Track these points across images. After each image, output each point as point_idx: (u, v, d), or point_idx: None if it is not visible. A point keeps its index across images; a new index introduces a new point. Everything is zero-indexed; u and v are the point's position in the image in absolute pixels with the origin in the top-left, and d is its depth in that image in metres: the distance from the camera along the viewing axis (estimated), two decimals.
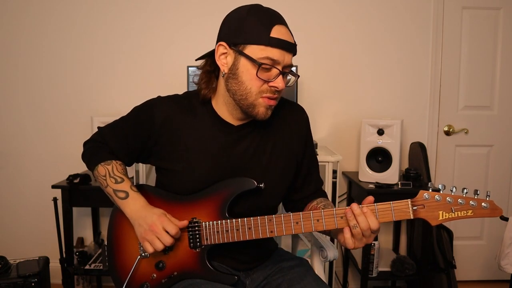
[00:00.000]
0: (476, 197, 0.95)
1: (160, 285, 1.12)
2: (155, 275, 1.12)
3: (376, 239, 2.18)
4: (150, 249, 1.04)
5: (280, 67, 1.03)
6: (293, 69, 2.15)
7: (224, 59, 1.07)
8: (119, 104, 2.46)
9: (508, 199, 2.63)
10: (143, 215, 1.07)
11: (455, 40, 2.50)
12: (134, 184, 1.16)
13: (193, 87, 2.21)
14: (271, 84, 1.04)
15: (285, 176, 1.19)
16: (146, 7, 2.44)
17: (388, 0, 2.47)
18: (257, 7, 1.06)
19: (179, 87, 2.36)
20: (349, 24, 2.48)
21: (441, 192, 0.97)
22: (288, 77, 1.12)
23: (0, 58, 2.46)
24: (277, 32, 1.01)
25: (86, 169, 2.25)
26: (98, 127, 1.24)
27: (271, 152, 1.16)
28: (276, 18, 1.04)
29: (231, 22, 1.06)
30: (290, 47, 1.04)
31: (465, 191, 0.96)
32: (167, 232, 1.03)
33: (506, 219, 2.04)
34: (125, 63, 2.47)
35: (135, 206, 1.09)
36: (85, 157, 1.21)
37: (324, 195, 1.28)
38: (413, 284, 2.42)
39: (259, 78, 1.02)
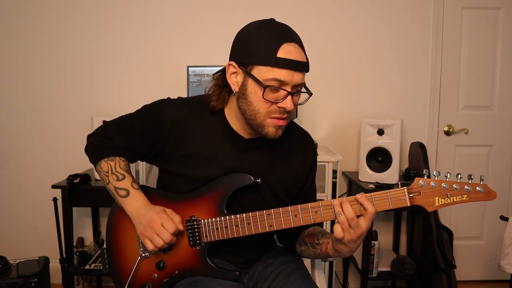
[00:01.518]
0: (470, 182, 0.96)
1: (161, 285, 1.12)
2: (156, 275, 1.12)
3: (376, 239, 2.18)
4: (150, 246, 1.04)
5: (288, 88, 1.00)
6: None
7: (235, 78, 1.06)
8: (119, 104, 2.46)
9: (508, 199, 2.63)
10: (143, 213, 1.07)
11: (455, 40, 2.50)
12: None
13: (193, 88, 2.23)
14: (279, 105, 1.02)
15: (285, 188, 1.18)
16: (146, 7, 2.44)
17: (388, 0, 2.47)
18: (266, 24, 1.03)
19: (179, 87, 2.36)
20: (349, 24, 2.48)
21: (436, 178, 0.97)
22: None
23: (0, 58, 2.46)
24: (284, 51, 0.98)
25: (86, 169, 2.29)
26: (104, 121, 1.22)
27: (275, 169, 1.16)
28: (285, 36, 1.00)
29: (241, 40, 1.04)
30: (298, 66, 1.00)
31: (459, 176, 0.97)
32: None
33: (506, 219, 2.04)
34: (125, 63, 2.47)
35: (136, 204, 1.09)
36: (89, 151, 1.19)
37: (319, 225, 1.23)
38: (413, 284, 2.42)
39: (266, 100, 1.01)
